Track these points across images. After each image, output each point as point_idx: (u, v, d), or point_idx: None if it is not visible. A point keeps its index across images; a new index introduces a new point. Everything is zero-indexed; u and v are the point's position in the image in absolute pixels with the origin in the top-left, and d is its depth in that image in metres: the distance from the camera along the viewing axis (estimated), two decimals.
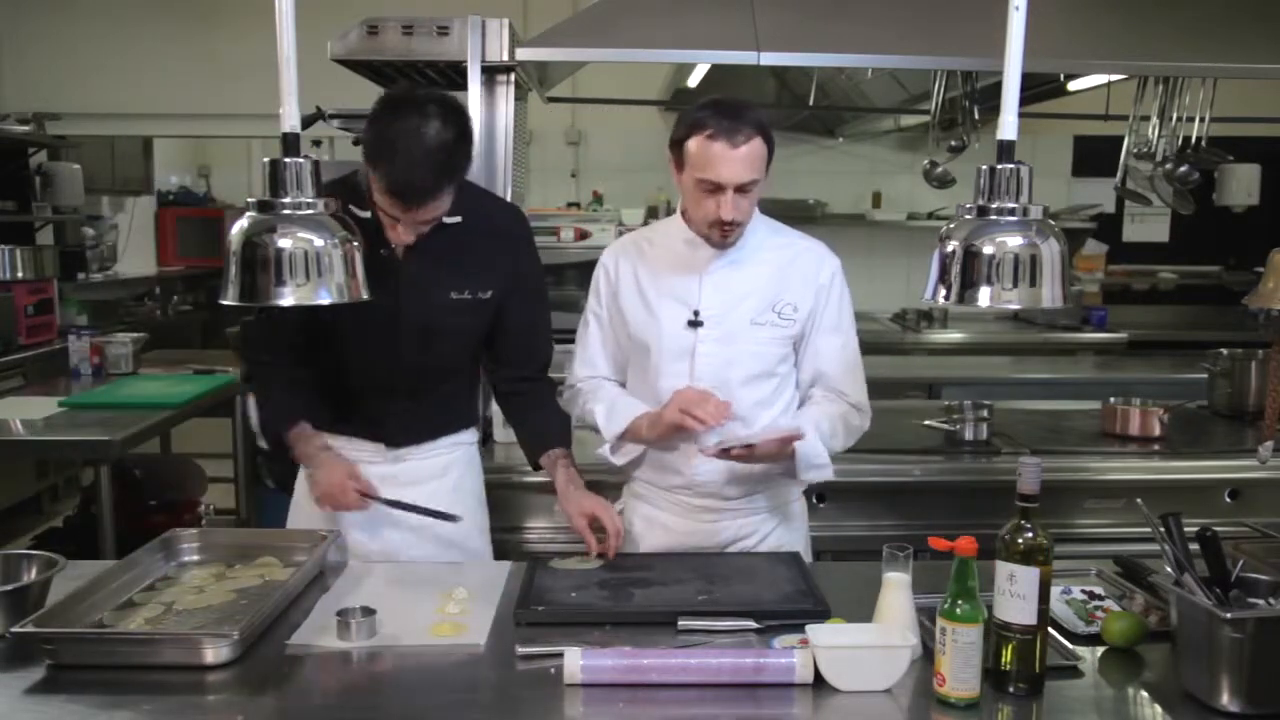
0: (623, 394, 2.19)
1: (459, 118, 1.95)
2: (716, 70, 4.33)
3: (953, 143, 4.35)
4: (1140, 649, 1.67)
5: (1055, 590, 1.76)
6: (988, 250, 1.36)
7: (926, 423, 3.09)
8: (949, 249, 1.39)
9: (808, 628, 1.57)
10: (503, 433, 2.86)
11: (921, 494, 2.81)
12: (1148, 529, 1.62)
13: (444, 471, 2.26)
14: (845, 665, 1.51)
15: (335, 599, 1.81)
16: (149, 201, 7.46)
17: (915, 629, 1.61)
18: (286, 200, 1.41)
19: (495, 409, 2.68)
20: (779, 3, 2.82)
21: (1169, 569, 1.58)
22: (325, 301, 1.43)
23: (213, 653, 1.56)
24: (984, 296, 1.37)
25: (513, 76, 2.95)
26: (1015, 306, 1.44)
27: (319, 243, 1.41)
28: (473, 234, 2.11)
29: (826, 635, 1.55)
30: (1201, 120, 4.02)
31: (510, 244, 2.20)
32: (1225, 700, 1.44)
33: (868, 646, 1.54)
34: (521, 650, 1.62)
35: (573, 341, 2.27)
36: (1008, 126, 1.37)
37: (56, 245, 5.89)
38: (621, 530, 2.07)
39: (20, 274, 5.19)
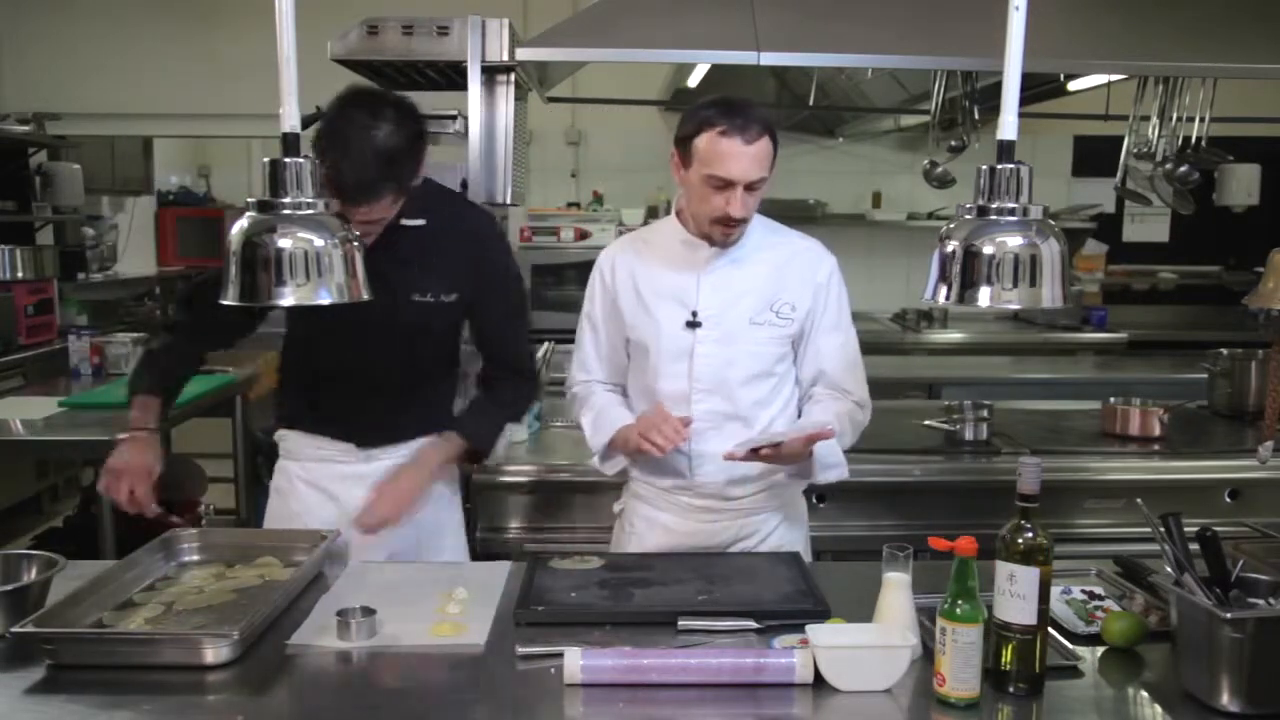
0: (612, 403, 2.18)
1: (413, 125, 1.93)
2: (716, 70, 4.32)
3: (953, 143, 4.34)
4: (1140, 649, 1.66)
5: (1055, 590, 1.76)
6: (988, 250, 1.36)
7: (926, 423, 3.09)
8: (949, 249, 1.39)
9: (808, 628, 1.56)
10: None
11: (921, 494, 2.81)
12: (1148, 529, 1.62)
13: None
14: (845, 665, 1.51)
15: (335, 599, 1.81)
16: (149, 201, 7.44)
17: (915, 629, 1.61)
18: (286, 200, 1.41)
19: None
20: (779, 3, 2.81)
21: (1169, 569, 1.58)
22: (325, 301, 1.43)
23: (213, 653, 1.56)
24: (984, 296, 1.37)
25: (513, 76, 2.95)
26: (1015, 306, 1.44)
27: (319, 243, 1.41)
28: (438, 237, 2.09)
29: (826, 635, 1.55)
30: (1201, 120, 4.02)
31: (478, 246, 2.17)
32: (1225, 700, 1.44)
33: (868, 646, 1.54)
34: (521, 650, 1.62)
35: (573, 342, 2.26)
36: (1008, 126, 1.37)
37: (56, 245, 5.89)
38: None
39: (20, 274, 5.20)
